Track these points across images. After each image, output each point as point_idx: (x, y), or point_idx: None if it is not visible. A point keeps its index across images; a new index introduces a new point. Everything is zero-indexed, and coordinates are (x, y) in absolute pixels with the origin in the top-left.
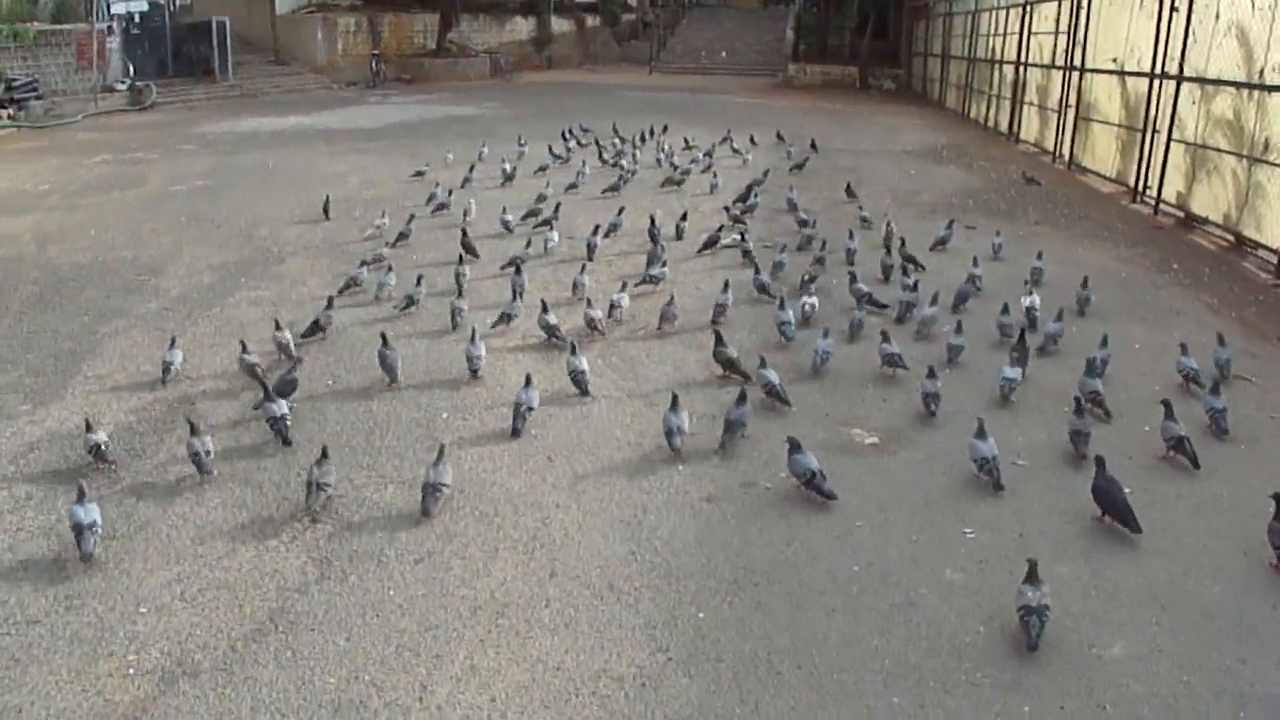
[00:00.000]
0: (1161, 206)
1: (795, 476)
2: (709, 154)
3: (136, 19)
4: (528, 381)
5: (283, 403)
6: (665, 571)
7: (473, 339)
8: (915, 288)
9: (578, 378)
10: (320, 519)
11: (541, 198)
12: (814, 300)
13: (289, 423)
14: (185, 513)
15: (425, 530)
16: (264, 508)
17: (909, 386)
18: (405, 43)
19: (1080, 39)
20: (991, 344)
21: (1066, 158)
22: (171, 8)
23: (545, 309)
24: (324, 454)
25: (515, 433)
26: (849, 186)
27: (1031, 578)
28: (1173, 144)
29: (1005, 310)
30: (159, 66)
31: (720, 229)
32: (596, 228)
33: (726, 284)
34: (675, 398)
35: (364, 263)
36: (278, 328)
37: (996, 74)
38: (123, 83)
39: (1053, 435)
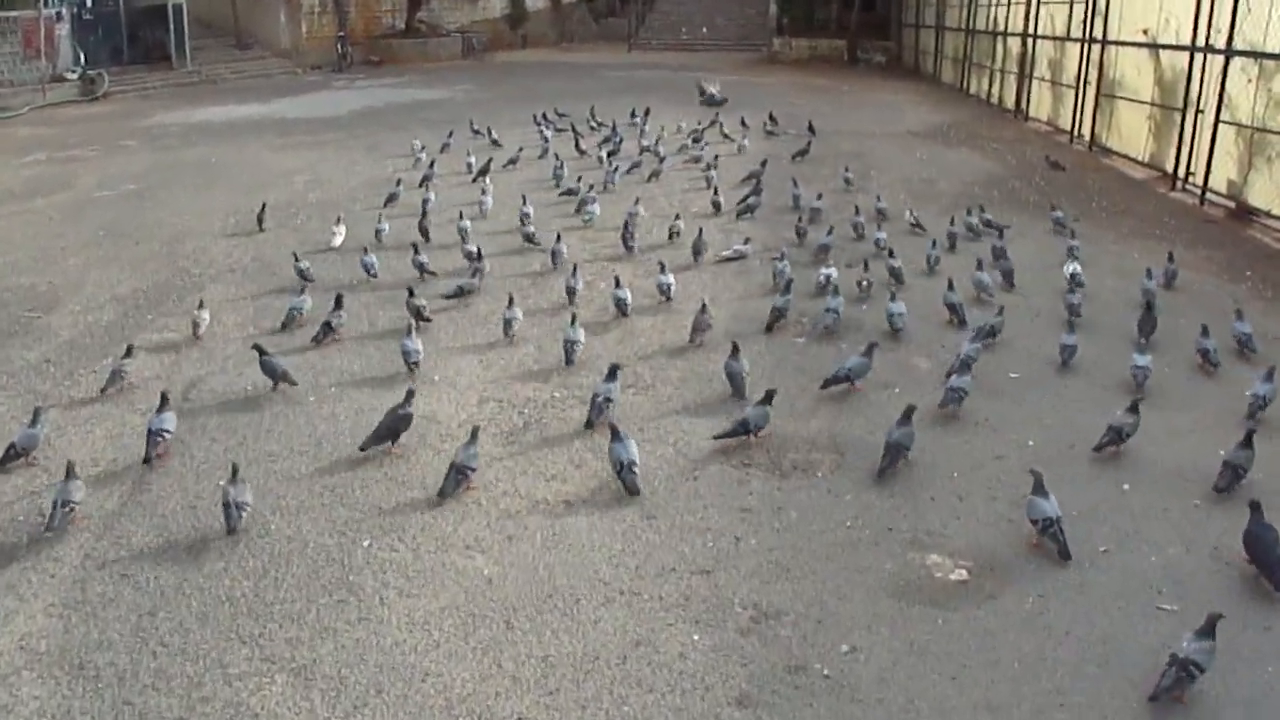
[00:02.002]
0: (1209, 196)
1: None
2: (697, 139)
3: (88, 3)
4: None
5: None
6: None
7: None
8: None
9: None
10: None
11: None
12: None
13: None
14: None
15: None
16: None
17: (998, 478)
18: (373, 23)
19: (1102, 9)
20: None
21: (1087, 138)
22: None
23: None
24: (235, 472)
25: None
26: (847, 177)
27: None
28: (1222, 126)
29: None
30: (113, 54)
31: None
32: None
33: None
34: None
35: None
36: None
37: (1000, 47)
38: (73, 72)
39: None
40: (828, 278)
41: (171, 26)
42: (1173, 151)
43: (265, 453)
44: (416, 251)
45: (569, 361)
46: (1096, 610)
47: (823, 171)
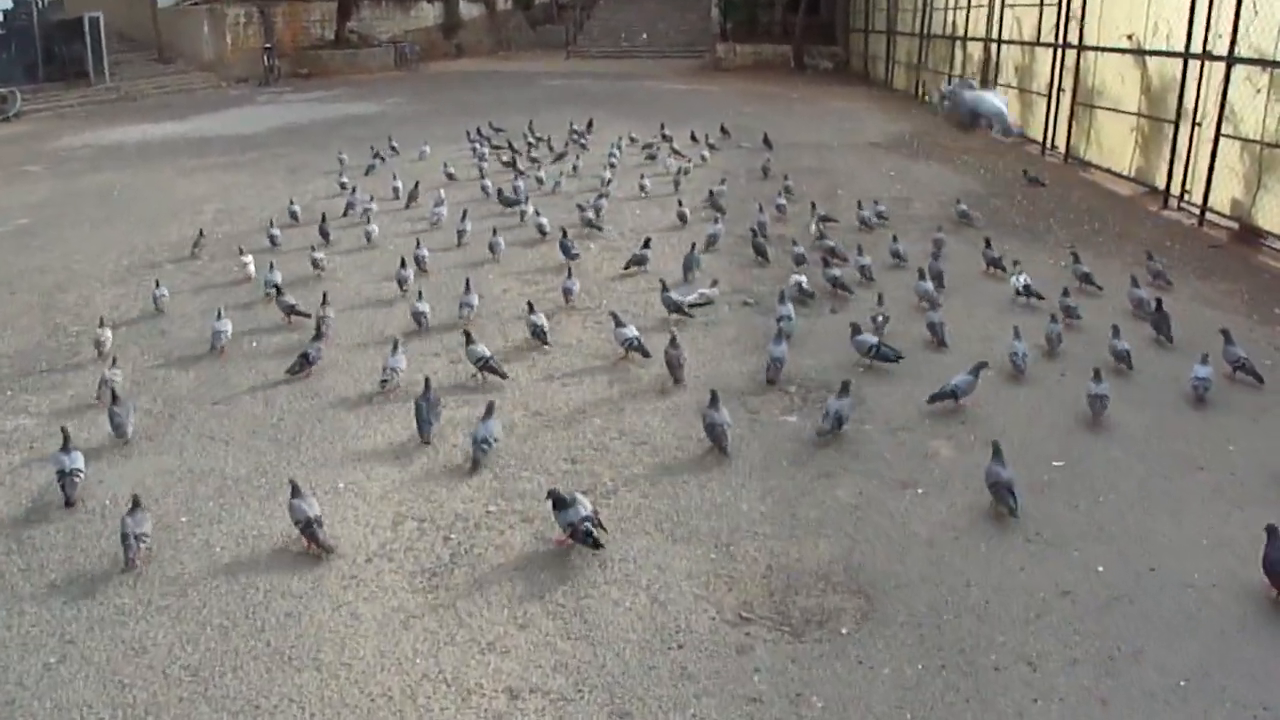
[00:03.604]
0: (1209, 216)
1: None
2: (652, 156)
3: (0, 18)
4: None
5: (78, 455)
6: None
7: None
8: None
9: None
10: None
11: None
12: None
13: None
14: None
15: None
16: None
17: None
18: (301, 34)
19: (1077, 13)
20: None
21: (1063, 150)
22: (40, 4)
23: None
24: (135, 504)
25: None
26: (817, 215)
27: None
28: (1224, 140)
29: (1116, 333)
30: (27, 71)
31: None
32: (531, 306)
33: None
34: None
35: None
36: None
37: (959, 52)
38: None
39: None
40: (799, 284)
41: (89, 41)
42: (1163, 166)
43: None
44: (279, 292)
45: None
46: None
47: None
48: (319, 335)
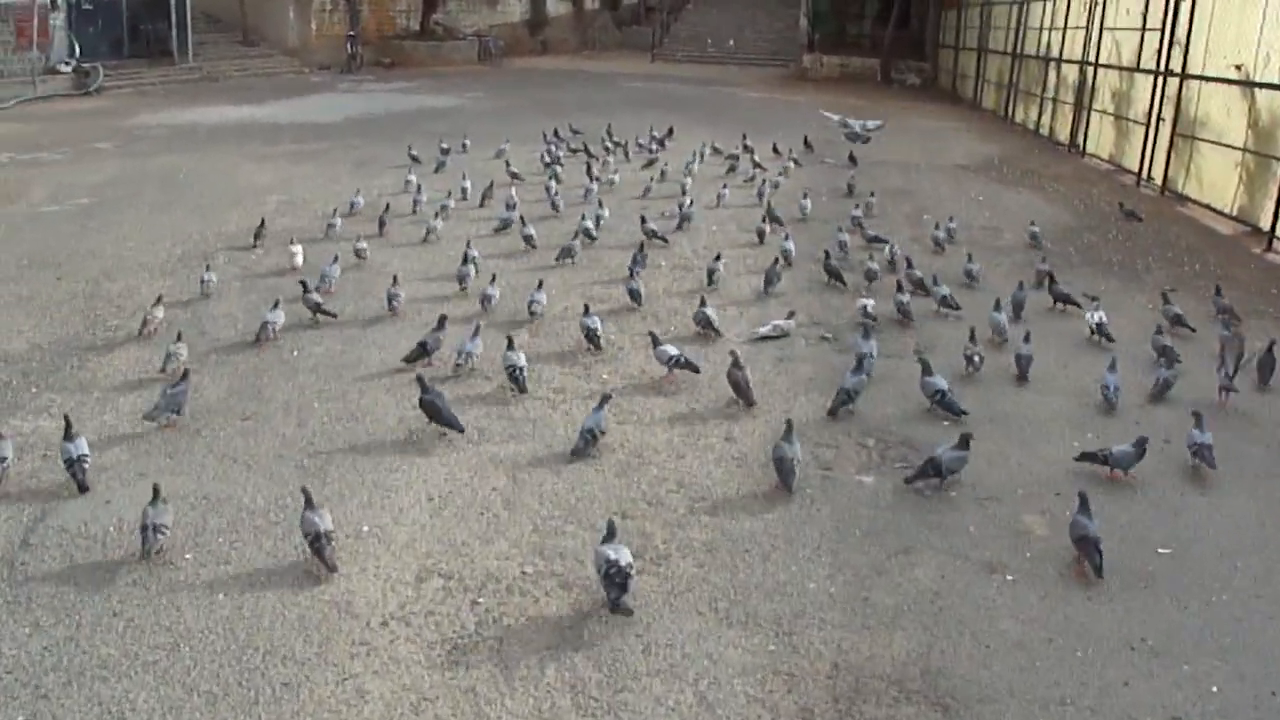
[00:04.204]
0: None
1: None
2: (733, 166)
3: None
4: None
5: (82, 441)
6: None
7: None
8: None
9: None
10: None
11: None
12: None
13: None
14: None
15: None
16: None
17: None
18: (387, 23)
19: (1181, 38)
20: None
21: (1159, 182)
22: None
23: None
24: (156, 493)
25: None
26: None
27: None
28: None
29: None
30: (113, 46)
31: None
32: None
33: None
34: None
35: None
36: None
37: (1053, 74)
38: (67, 64)
39: None
40: (864, 308)
41: (174, 20)
42: (1269, 206)
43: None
44: (306, 290)
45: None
46: None
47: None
48: (441, 325)
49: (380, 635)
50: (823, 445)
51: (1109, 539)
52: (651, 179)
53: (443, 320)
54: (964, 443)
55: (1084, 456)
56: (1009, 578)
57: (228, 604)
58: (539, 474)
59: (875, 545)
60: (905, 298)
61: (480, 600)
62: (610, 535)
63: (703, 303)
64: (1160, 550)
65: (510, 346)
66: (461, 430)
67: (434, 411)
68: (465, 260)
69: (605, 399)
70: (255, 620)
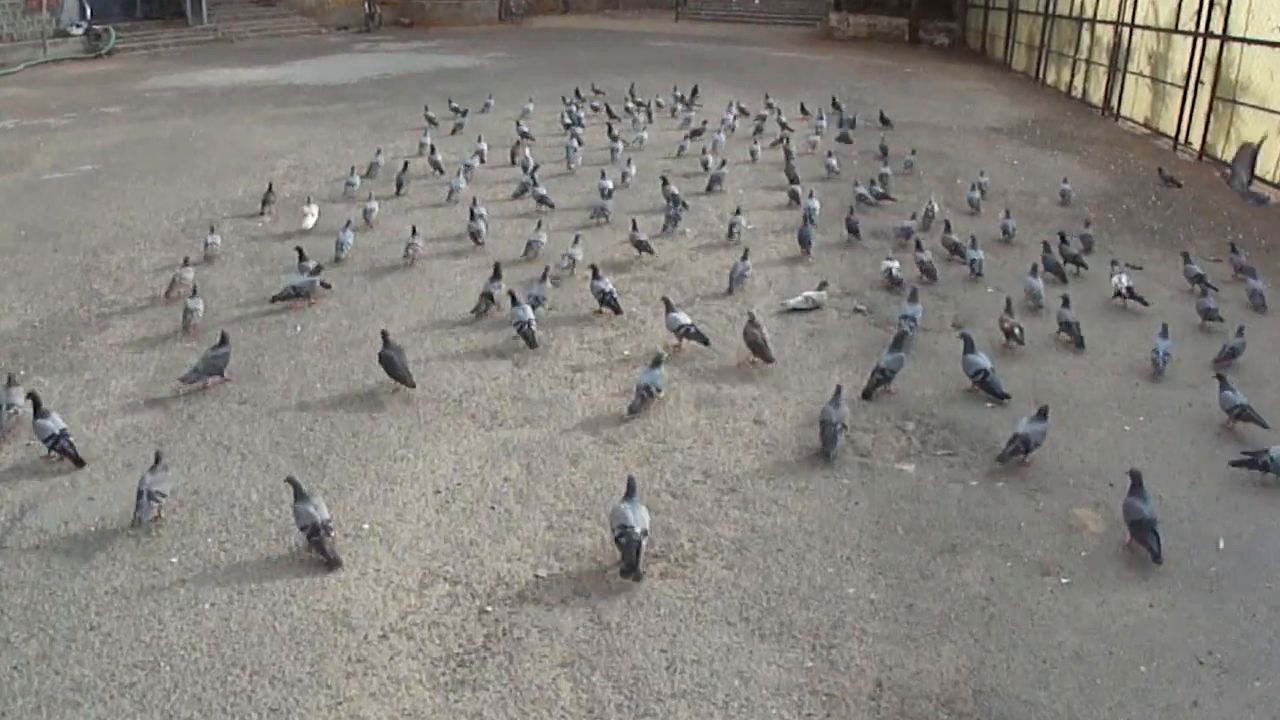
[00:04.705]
0: None
1: None
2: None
3: None
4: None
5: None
6: None
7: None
8: None
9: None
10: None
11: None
12: None
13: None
14: None
15: None
16: None
17: None
18: None
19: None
20: None
21: (1197, 147)
22: None
23: None
24: (157, 459)
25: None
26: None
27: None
28: None
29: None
30: (124, 8)
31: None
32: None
33: None
34: None
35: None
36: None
37: (1086, 35)
38: (78, 27)
39: None
40: (890, 270)
41: None
42: None
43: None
44: (302, 257)
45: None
46: None
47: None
48: (497, 274)
49: (379, 651)
50: (859, 429)
51: (1167, 530)
52: (686, 138)
53: (498, 268)
54: (1042, 414)
55: (1240, 463)
56: (1064, 580)
57: (214, 615)
58: (555, 462)
59: (919, 544)
60: (926, 255)
61: (489, 609)
62: (630, 493)
63: (737, 211)
64: (1220, 545)
65: (595, 275)
66: (413, 386)
67: (389, 366)
68: (473, 217)
69: (659, 358)
70: (243, 634)
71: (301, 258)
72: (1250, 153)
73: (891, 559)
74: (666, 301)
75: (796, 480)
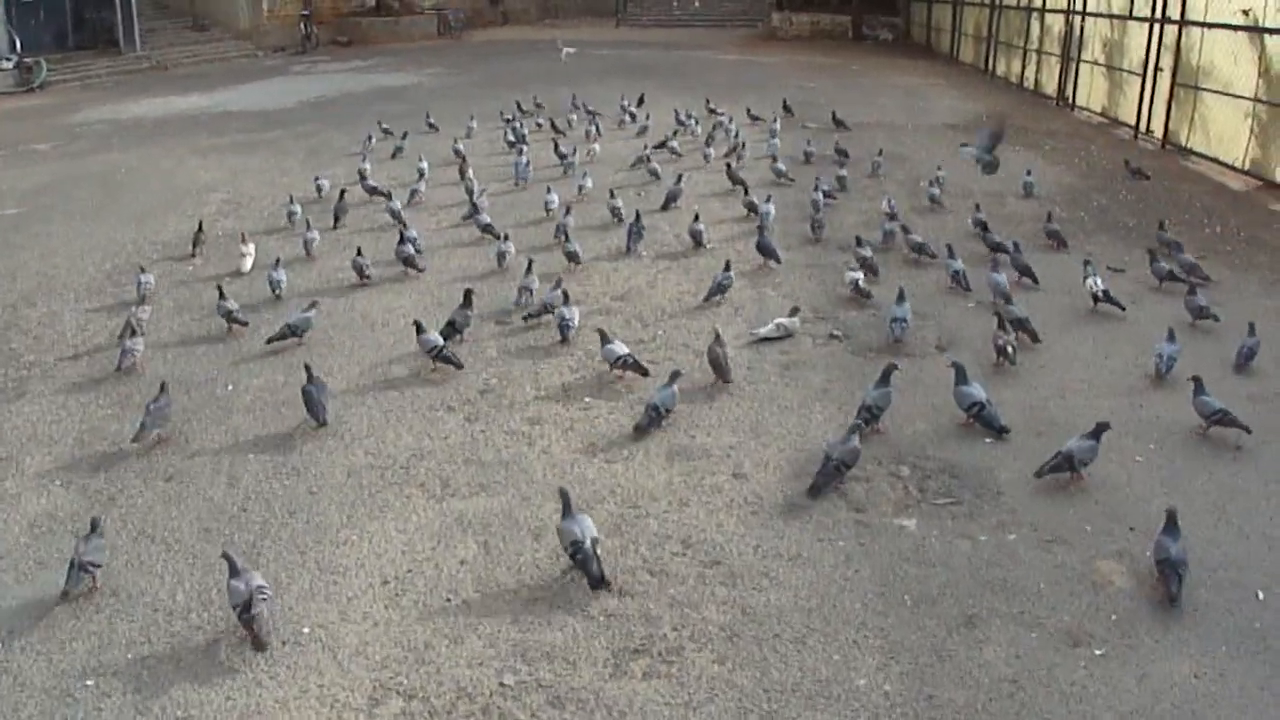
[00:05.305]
0: None
1: None
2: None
3: None
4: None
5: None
6: None
7: None
8: None
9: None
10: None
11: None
12: None
13: None
14: None
15: None
16: None
17: None
18: (342, 0)
19: None
20: None
21: (1159, 136)
22: None
23: None
24: (94, 526)
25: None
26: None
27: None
28: None
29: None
30: (57, 38)
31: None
32: None
33: None
34: None
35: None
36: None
37: (1036, 25)
38: (8, 60)
39: None
40: (855, 283)
41: (120, 7)
42: None
43: None
44: (221, 295)
45: None
46: None
47: (862, 184)
48: (468, 301)
49: None
50: (849, 479)
51: (1199, 582)
52: (646, 148)
53: (468, 295)
54: (1097, 432)
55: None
56: (1097, 651)
57: None
58: (516, 539)
59: (930, 617)
60: (867, 251)
61: None
62: (567, 507)
63: (696, 218)
64: (1260, 595)
65: (420, 330)
66: (324, 424)
67: (308, 402)
68: (402, 240)
69: (675, 375)
70: None
71: (221, 295)
72: (994, 132)
73: (903, 639)
74: (602, 333)
75: (787, 546)
